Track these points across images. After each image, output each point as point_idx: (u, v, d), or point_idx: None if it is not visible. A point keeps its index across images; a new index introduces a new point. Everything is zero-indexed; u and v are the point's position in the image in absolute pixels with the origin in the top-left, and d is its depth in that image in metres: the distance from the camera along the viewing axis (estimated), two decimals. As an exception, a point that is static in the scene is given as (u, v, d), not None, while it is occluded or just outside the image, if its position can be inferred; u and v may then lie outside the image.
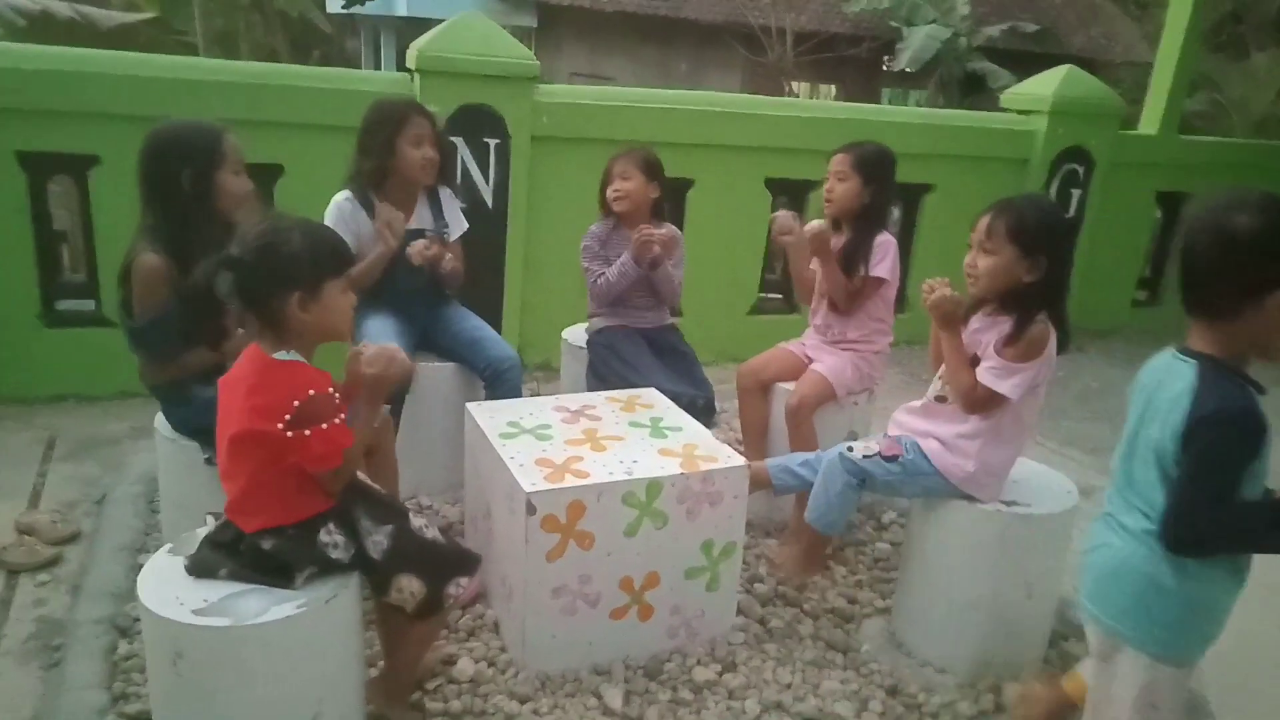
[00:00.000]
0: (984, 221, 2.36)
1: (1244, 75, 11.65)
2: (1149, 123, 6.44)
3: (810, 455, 2.78)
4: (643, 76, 14.88)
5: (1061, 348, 2.41)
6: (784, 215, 3.18)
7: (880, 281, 3.13)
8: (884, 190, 3.18)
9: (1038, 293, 2.35)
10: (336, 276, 1.91)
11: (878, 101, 16.31)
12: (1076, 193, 5.96)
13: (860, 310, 3.20)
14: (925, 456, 2.50)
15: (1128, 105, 6.15)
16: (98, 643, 2.43)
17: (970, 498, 2.47)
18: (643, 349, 3.31)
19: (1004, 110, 6.07)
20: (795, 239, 3.16)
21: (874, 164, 3.11)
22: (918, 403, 2.64)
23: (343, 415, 1.88)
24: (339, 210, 3.03)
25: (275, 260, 1.84)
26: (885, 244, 3.13)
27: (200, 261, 1.89)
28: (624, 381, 3.13)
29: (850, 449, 2.62)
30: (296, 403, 1.81)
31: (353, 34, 17.58)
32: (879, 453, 2.58)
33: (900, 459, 2.54)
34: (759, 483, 2.72)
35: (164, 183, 2.47)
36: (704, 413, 3.03)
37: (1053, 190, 5.84)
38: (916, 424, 2.60)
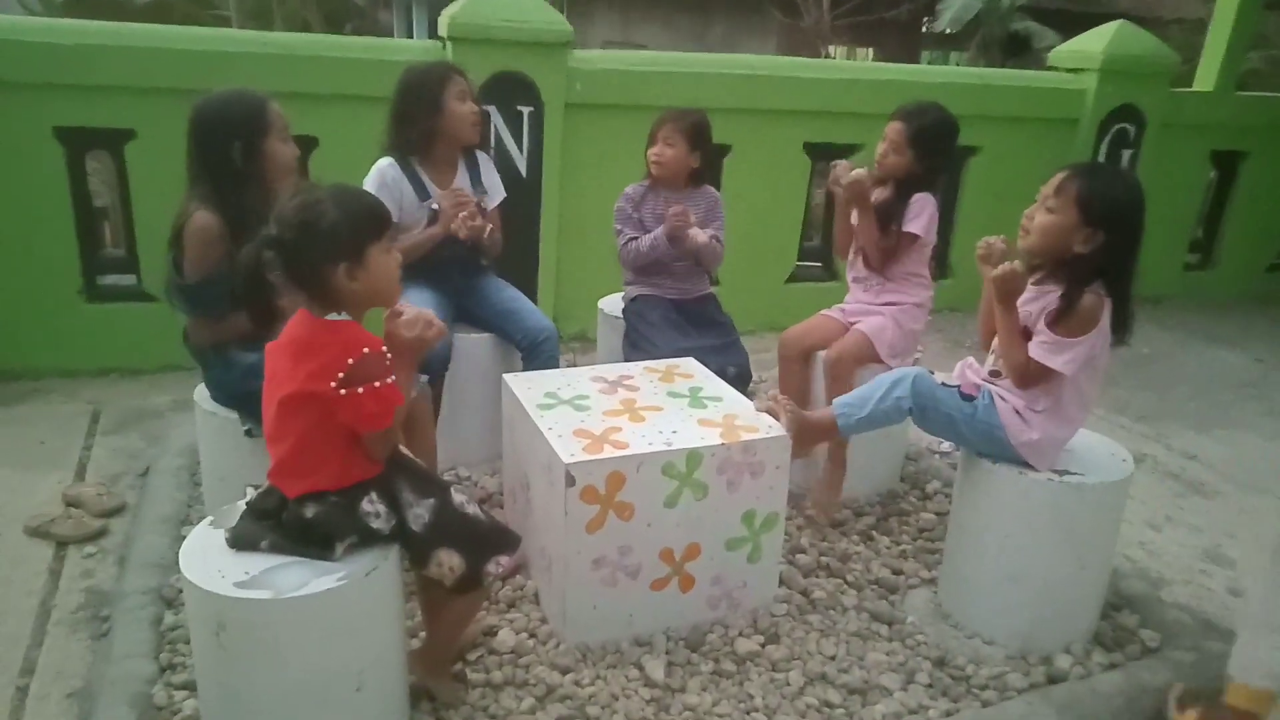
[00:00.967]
0: (1058, 178, 2.32)
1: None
2: (1204, 80, 6.21)
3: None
4: (676, 44, 14.70)
5: (1118, 335, 2.34)
6: (842, 164, 3.12)
7: (913, 238, 3.07)
8: (941, 162, 3.12)
9: (1087, 266, 2.28)
10: (378, 239, 1.89)
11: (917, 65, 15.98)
12: (1127, 153, 5.77)
13: (895, 264, 3.15)
14: (997, 412, 2.43)
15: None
16: (144, 613, 2.45)
17: (1022, 462, 2.40)
18: (672, 317, 3.28)
19: (1051, 69, 5.88)
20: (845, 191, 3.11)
21: (932, 138, 3.03)
22: (983, 370, 2.58)
23: (394, 376, 1.87)
24: (381, 175, 3.00)
25: (315, 235, 1.81)
26: (922, 200, 3.06)
27: (251, 229, 1.88)
28: (650, 345, 3.11)
29: (932, 372, 2.55)
30: (351, 360, 1.80)
31: (385, 7, 17.54)
32: (959, 387, 2.52)
33: (975, 401, 2.47)
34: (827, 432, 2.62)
35: (214, 155, 2.45)
36: (736, 381, 2.98)
37: (1103, 150, 5.66)
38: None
